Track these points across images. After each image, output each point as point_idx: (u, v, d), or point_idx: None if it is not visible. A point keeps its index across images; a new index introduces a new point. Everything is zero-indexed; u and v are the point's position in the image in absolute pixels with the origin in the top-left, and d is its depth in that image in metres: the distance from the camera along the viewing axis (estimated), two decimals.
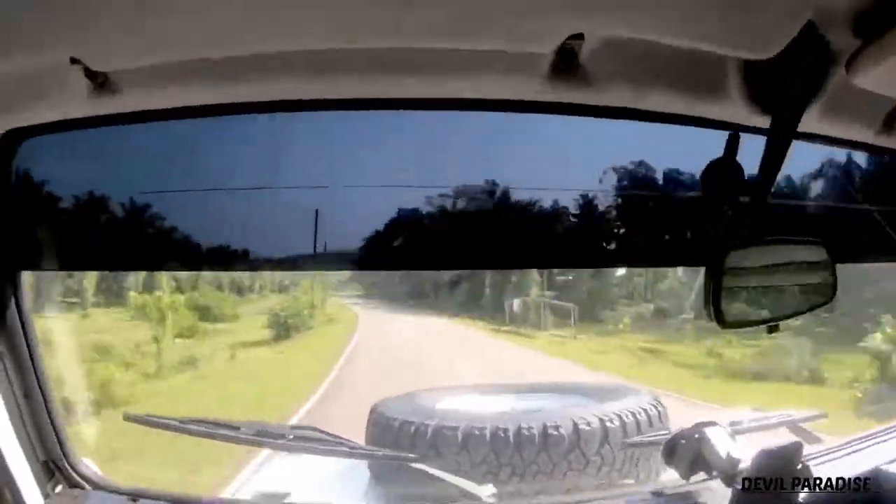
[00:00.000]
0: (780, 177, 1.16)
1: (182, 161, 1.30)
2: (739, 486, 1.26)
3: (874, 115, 1.18)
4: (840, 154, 1.33)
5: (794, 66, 0.97)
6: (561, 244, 1.23)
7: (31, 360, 1.47)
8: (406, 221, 1.18)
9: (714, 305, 1.00)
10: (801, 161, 1.28)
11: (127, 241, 1.34)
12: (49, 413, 1.50)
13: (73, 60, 0.98)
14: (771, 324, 1.09)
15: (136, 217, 1.32)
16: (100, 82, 1.07)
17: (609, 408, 2.28)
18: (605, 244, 1.29)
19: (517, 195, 1.18)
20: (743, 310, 1.05)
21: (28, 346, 1.46)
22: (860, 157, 1.35)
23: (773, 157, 1.07)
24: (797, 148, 1.22)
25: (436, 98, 1.11)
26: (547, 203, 1.19)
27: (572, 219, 1.21)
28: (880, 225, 1.42)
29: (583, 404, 2.45)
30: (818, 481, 1.29)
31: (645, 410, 2.29)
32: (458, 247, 1.24)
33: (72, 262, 1.61)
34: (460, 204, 1.19)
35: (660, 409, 2.35)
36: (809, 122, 1.11)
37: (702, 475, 1.45)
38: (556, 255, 1.30)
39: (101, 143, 1.28)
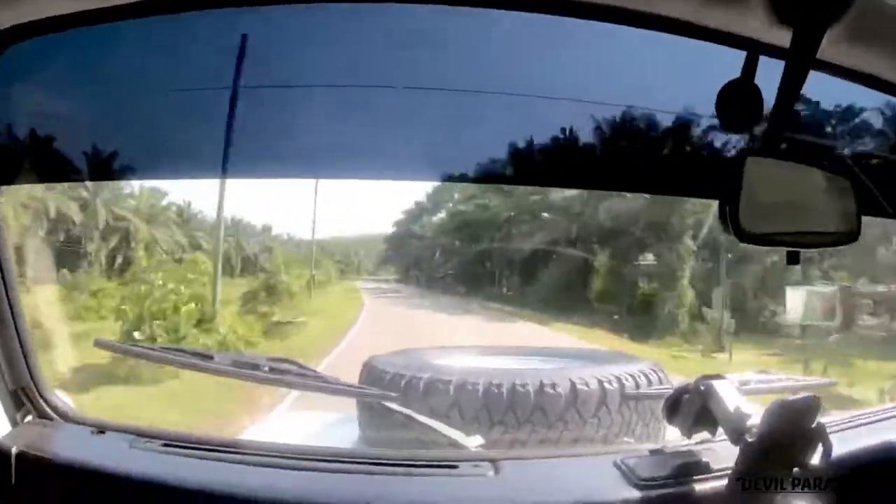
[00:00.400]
0: (802, 110, 1.07)
1: (174, 59, 1.21)
2: (748, 444, 1.17)
3: None
4: (876, 91, 1.21)
5: None
6: (566, 162, 1.13)
7: (4, 286, 1.40)
8: (416, 127, 1.09)
9: (732, 217, 0.91)
10: (830, 96, 1.17)
11: (116, 149, 1.27)
12: (20, 341, 1.44)
13: None
14: (791, 248, 0.99)
15: (124, 124, 1.25)
16: None
17: (608, 370, 2.21)
18: (611, 165, 1.19)
19: (524, 105, 1.07)
20: (762, 224, 0.95)
21: (1, 274, 1.39)
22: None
23: (792, 82, 0.97)
24: (826, 83, 1.13)
25: None
26: (556, 117, 1.08)
27: (576, 136, 1.11)
28: None
29: (582, 366, 2.37)
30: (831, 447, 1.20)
31: (645, 374, 2.21)
32: (461, 158, 1.14)
33: (52, 174, 1.54)
34: (463, 112, 1.08)
35: (660, 373, 2.27)
36: (833, 48, 1.01)
37: (704, 434, 1.37)
38: (560, 174, 1.20)
39: (83, 45, 1.19)
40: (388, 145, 1.21)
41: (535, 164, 1.13)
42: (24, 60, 1.18)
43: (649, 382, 2.20)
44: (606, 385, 2.12)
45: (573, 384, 2.10)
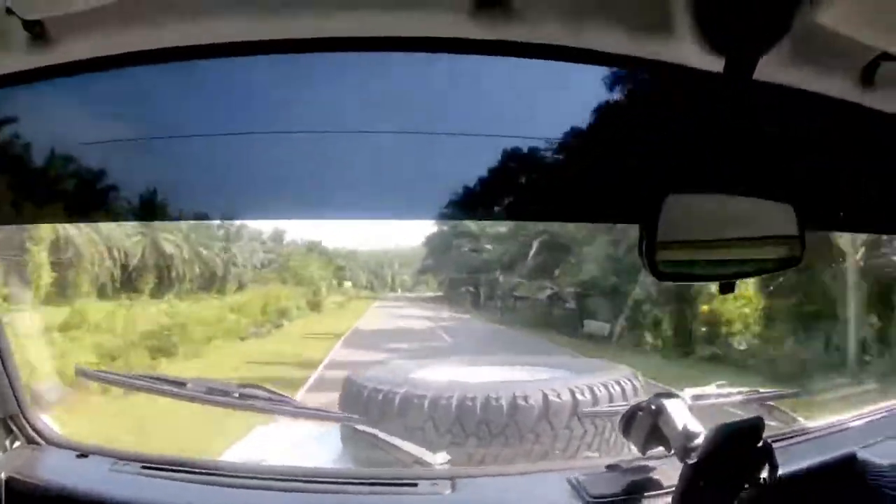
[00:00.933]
0: (742, 127, 1.07)
1: (137, 111, 1.24)
2: (693, 462, 1.19)
3: (847, 66, 1.08)
4: (815, 108, 1.22)
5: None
6: (487, 194, 1.15)
7: None
8: (333, 168, 1.12)
9: (648, 255, 0.91)
10: (770, 114, 1.18)
11: (83, 193, 1.31)
12: (6, 371, 1.48)
13: (9, 11, 0.92)
14: (717, 281, 1.00)
15: (93, 170, 1.28)
16: (37, 32, 1.01)
17: (582, 381, 2.23)
18: (534, 195, 1.20)
19: (440, 141, 1.10)
20: (679, 263, 0.95)
21: None
22: (836, 114, 1.25)
23: (727, 105, 0.98)
24: (765, 96, 1.14)
25: (353, 37, 1.02)
26: (474, 151, 1.11)
27: (500, 167, 1.13)
28: (851, 192, 1.33)
29: (557, 377, 2.40)
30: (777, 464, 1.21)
31: (618, 383, 2.23)
32: (377, 197, 1.17)
33: (30, 215, 1.58)
34: (384, 148, 1.11)
35: (635, 383, 2.29)
36: (771, 67, 1.02)
37: (660, 449, 1.39)
38: (478, 206, 1.22)
39: (52, 96, 1.22)
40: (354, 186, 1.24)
41: (465, 199, 1.16)
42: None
43: (623, 392, 2.22)
44: (579, 396, 2.14)
45: (545, 396, 2.13)
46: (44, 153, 1.29)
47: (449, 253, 14.35)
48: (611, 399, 2.18)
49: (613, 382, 2.23)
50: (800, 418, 1.76)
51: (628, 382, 2.27)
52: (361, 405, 2.28)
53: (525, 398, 2.11)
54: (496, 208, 1.24)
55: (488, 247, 13.42)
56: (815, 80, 1.15)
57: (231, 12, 1.02)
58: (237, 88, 1.21)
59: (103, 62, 1.11)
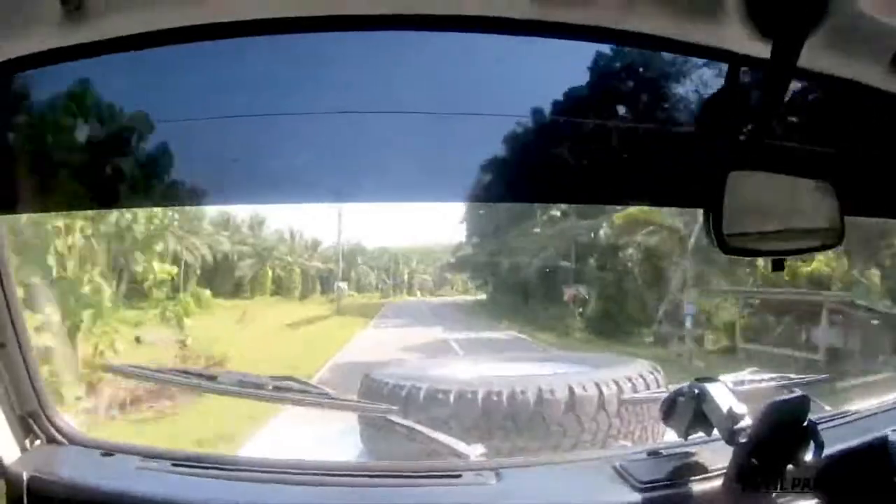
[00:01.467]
0: (788, 115, 1.09)
1: (168, 90, 1.23)
2: (742, 444, 1.20)
3: (882, 51, 1.10)
4: (856, 95, 1.24)
5: None
6: (549, 178, 1.16)
7: (9, 312, 1.42)
8: (377, 149, 1.12)
9: (715, 230, 0.93)
10: (813, 100, 1.20)
11: (110, 179, 1.29)
12: (27, 367, 1.46)
13: None
14: (774, 256, 1.02)
15: (122, 153, 1.27)
16: (74, 6, 1.00)
17: (606, 374, 2.23)
18: (598, 179, 1.21)
19: (499, 123, 1.10)
20: (745, 238, 0.98)
21: (5, 297, 1.41)
22: (873, 100, 1.27)
23: (774, 91, 1.00)
24: (807, 87, 1.16)
25: (412, 14, 1.02)
26: (534, 134, 1.11)
27: (561, 151, 1.14)
28: (887, 179, 1.35)
29: (581, 371, 2.40)
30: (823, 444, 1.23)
31: (642, 376, 2.23)
32: (439, 178, 1.17)
33: (51, 203, 1.55)
34: (442, 131, 1.11)
35: (657, 375, 2.30)
36: (814, 55, 1.04)
37: (700, 435, 1.39)
38: (544, 189, 1.22)
39: (83, 74, 1.21)
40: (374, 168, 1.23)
41: (520, 181, 1.16)
42: (23, 89, 1.21)
43: (646, 385, 2.23)
44: (604, 389, 2.15)
45: (571, 389, 2.13)
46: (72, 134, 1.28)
47: (501, 240, 10.14)
48: (635, 390, 2.19)
49: (637, 375, 2.24)
50: (827, 406, 1.78)
51: (651, 375, 2.28)
52: (382, 401, 2.26)
53: (551, 391, 2.11)
54: (553, 191, 1.25)
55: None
56: (851, 65, 1.17)
57: None
58: (267, 69, 1.20)
59: (139, 39, 1.10)
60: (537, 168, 1.15)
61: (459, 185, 1.19)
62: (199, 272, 11.94)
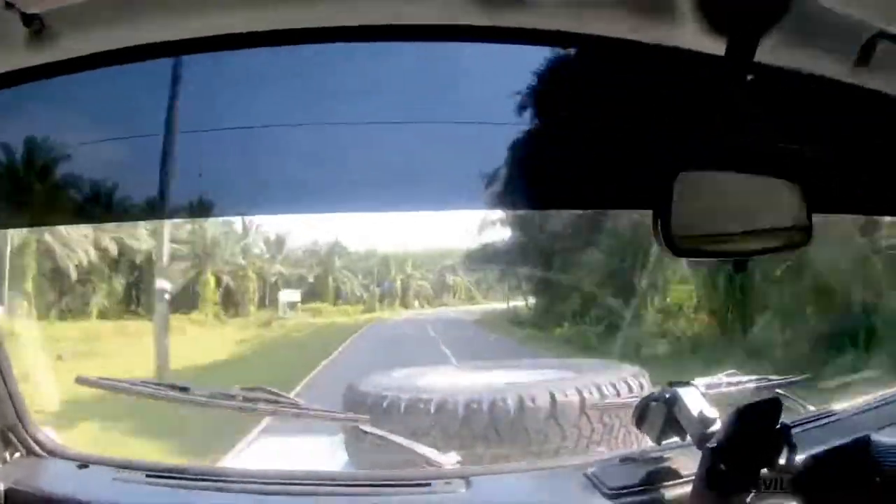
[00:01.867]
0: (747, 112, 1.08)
1: (134, 106, 1.23)
2: (711, 448, 1.18)
3: (846, 46, 1.10)
4: (816, 90, 1.23)
5: None
6: (495, 183, 1.15)
7: None
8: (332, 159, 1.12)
9: (664, 232, 0.92)
10: (774, 96, 1.19)
11: (90, 194, 1.30)
12: (5, 381, 1.47)
13: (8, 5, 0.92)
14: (731, 259, 1.00)
15: (99, 168, 1.27)
16: (35, 29, 1.00)
17: (589, 379, 2.21)
18: (546, 183, 1.20)
19: (448, 129, 1.09)
20: (697, 240, 0.96)
21: None
22: (839, 96, 1.26)
23: (729, 88, 0.99)
24: (767, 81, 1.15)
25: (357, 26, 1.02)
26: (482, 139, 1.10)
27: (508, 155, 1.13)
28: (854, 174, 1.34)
29: (563, 377, 2.38)
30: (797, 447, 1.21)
31: (625, 381, 2.22)
32: (389, 187, 1.16)
33: (34, 218, 1.56)
34: (388, 139, 1.11)
35: (641, 380, 2.28)
36: (775, 50, 1.03)
37: (676, 440, 1.38)
38: (490, 195, 1.21)
39: (52, 93, 1.22)
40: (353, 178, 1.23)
41: (459, 187, 1.16)
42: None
43: (630, 389, 2.21)
44: (586, 395, 2.13)
45: (553, 396, 2.11)
46: (45, 152, 1.28)
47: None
48: (618, 396, 2.17)
49: (620, 380, 2.22)
50: (810, 406, 1.76)
51: (635, 380, 2.26)
52: (365, 413, 2.24)
53: (532, 399, 2.10)
54: (504, 198, 1.24)
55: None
56: (813, 60, 1.16)
57: (235, 4, 1.02)
58: (246, 80, 1.20)
59: (102, 58, 1.10)
60: (484, 174, 1.14)
61: (386, 192, 1.19)
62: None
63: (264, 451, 3.02)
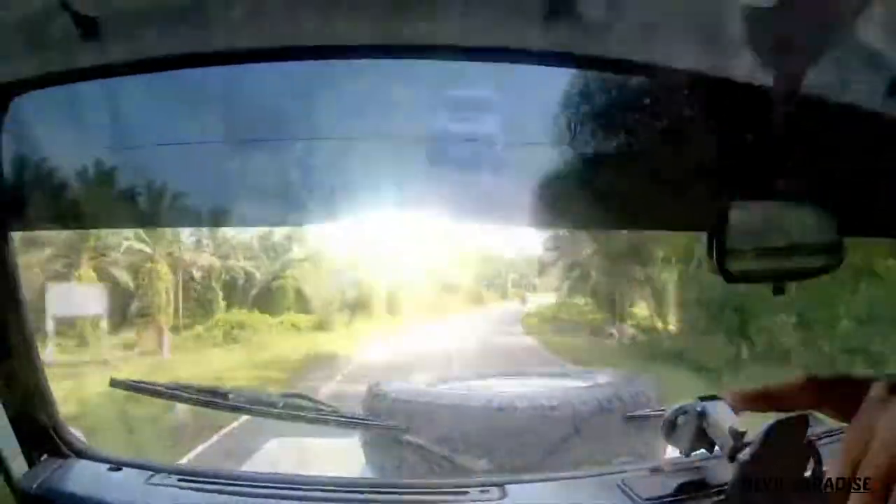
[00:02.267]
0: (790, 139, 1.13)
1: (176, 114, 1.27)
2: (743, 461, 1.22)
3: (878, 78, 1.15)
4: (858, 119, 1.28)
5: (798, 16, 0.94)
6: (553, 203, 1.20)
7: (19, 326, 1.45)
8: (399, 172, 1.16)
9: (718, 259, 0.98)
10: (814, 124, 1.24)
11: (125, 199, 1.33)
12: (36, 380, 1.48)
13: (63, 6, 0.95)
14: (776, 283, 1.06)
15: (134, 173, 1.31)
16: (89, 29, 1.04)
17: (608, 390, 2.25)
18: (601, 204, 1.25)
19: (507, 149, 1.14)
20: (747, 265, 1.02)
21: (17, 311, 1.44)
22: (870, 125, 1.31)
23: (777, 116, 1.04)
24: (811, 110, 1.20)
25: (424, 45, 1.07)
26: (540, 159, 1.15)
27: (565, 176, 1.17)
28: (884, 200, 1.38)
29: (582, 386, 2.42)
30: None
31: (644, 392, 2.25)
32: (451, 200, 1.20)
33: (67, 221, 1.59)
34: (448, 156, 1.15)
35: (660, 391, 2.32)
36: (817, 80, 1.08)
37: (703, 451, 1.41)
38: (549, 215, 1.26)
39: (96, 95, 1.25)
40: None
41: (523, 206, 1.20)
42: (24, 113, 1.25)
43: (648, 399, 2.24)
44: (606, 404, 2.16)
45: (574, 405, 2.14)
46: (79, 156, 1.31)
47: None
48: (636, 406, 2.20)
49: (640, 391, 2.26)
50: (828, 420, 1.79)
51: (654, 391, 2.30)
52: (387, 415, 2.27)
53: (553, 407, 2.13)
54: (561, 217, 1.28)
55: None
56: (850, 92, 1.21)
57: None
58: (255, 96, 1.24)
59: (151, 64, 1.14)
60: (541, 193, 1.18)
61: (447, 204, 1.23)
62: None
63: (277, 452, 3.03)
